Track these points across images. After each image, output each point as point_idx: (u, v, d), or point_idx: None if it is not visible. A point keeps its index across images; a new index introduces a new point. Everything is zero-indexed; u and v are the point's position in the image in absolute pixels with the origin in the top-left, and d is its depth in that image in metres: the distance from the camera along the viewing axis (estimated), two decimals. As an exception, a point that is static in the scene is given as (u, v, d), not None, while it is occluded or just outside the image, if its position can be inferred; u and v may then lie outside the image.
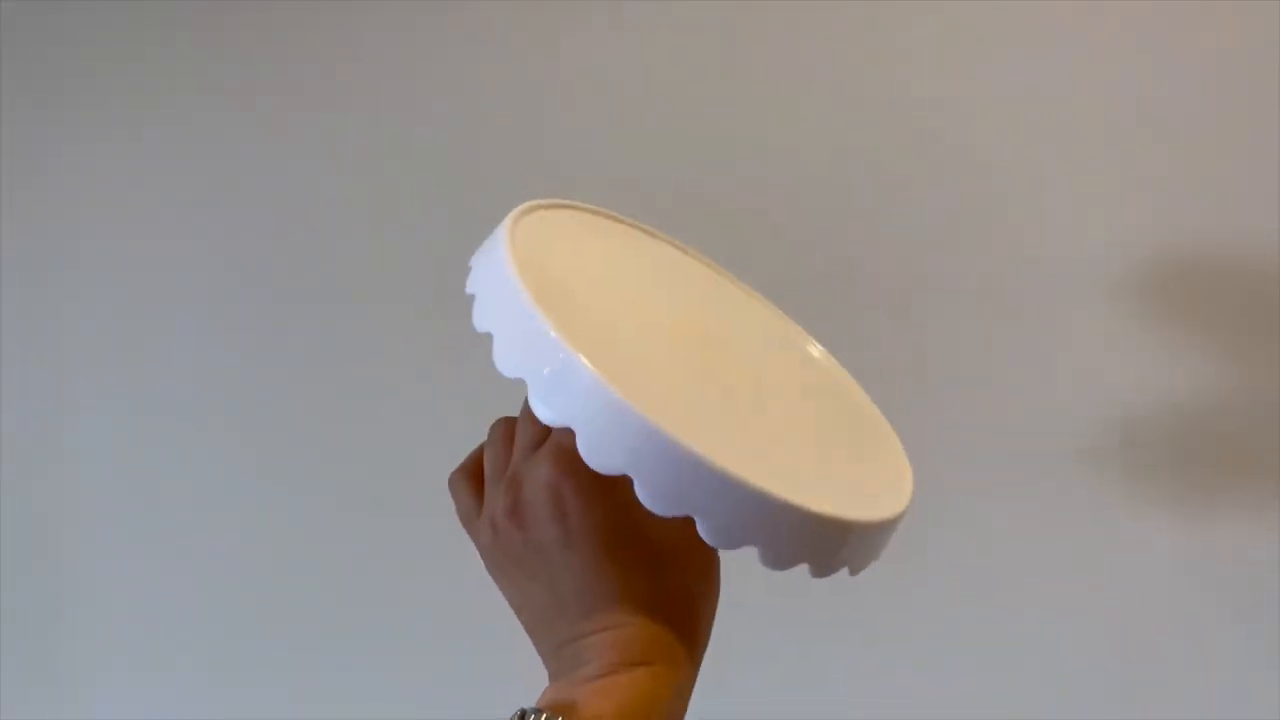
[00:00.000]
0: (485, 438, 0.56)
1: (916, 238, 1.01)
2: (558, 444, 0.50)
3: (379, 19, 1.19)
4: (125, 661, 1.24)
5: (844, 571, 0.49)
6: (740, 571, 0.53)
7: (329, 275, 1.19)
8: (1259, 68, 0.94)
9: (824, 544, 0.47)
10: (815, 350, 0.62)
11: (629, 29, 1.10)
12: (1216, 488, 0.94)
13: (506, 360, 0.46)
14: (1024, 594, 0.97)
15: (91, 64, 1.29)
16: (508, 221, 0.52)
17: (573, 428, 0.45)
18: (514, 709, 0.47)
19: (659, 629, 0.49)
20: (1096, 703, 0.95)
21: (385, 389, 1.16)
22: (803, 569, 0.47)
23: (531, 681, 0.54)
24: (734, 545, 0.46)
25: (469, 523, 0.54)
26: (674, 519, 0.45)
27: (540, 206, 0.55)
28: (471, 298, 0.49)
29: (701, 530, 0.45)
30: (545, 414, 0.45)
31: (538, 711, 0.46)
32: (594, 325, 0.49)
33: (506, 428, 0.54)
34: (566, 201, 0.58)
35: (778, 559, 0.46)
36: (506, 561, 0.51)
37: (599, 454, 0.44)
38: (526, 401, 0.49)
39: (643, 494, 0.44)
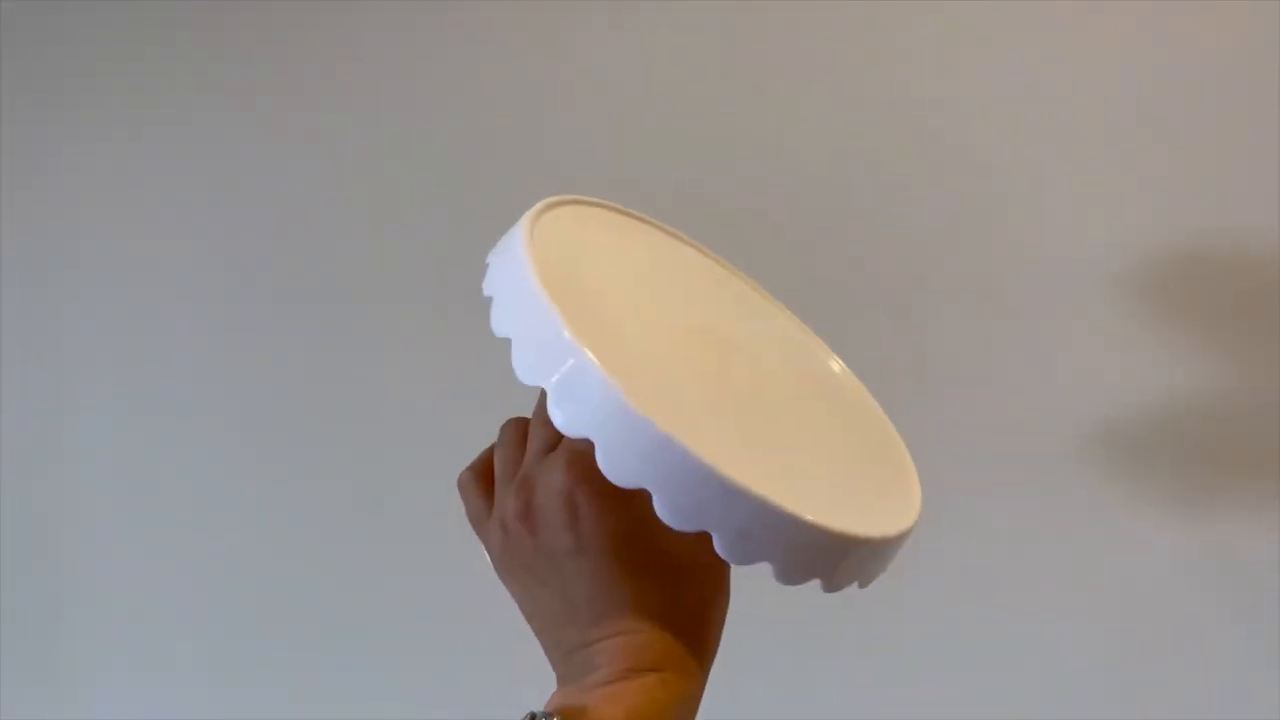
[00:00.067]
0: (485, 438, 0.56)
1: (916, 238, 1.01)
2: (572, 449, 0.49)
3: (379, 19, 1.19)
4: (125, 661, 1.24)
5: (854, 586, 0.49)
6: (736, 580, 0.53)
7: (329, 275, 1.19)
8: (1259, 68, 0.94)
9: (836, 560, 0.47)
10: (836, 365, 0.62)
11: (629, 29, 1.10)
12: (1216, 488, 0.94)
13: (525, 367, 0.45)
14: (1024, 594, 0.97)
15: (91, 64, 1.29)
16: (526, 220, 0.51)
17: (591, 439, 0.44)
18: (516, 710, 0.46)
19: (670, 637, 0.49)
20: (1096, 703, 0.95)
21: (385, 389, 1.16)
22: (814, 584, 0.47)
23: (532, 682, 0.54)
24: (749, 561, 0.45)
25: (478, 524, 0.54)
26: (687, 532, 0.45)
27: (559, 203, 0.54)
28: (489, 300, 0.48)
29: (718, 546, 0.45)
30: (563, 423, 0.45)
31: (547, 715, 0.46)
32: (614, 331, 0.48)
33: (518, 429, 0.54)
34: (586, 198, 0.56)
35: (792, 575, 0.46)
36: (517, 565, 0.51)
37: (617, 467, 0.44)
38: (540, 403, 0.48)
39: (661, 509, 0.44)
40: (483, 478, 0.54)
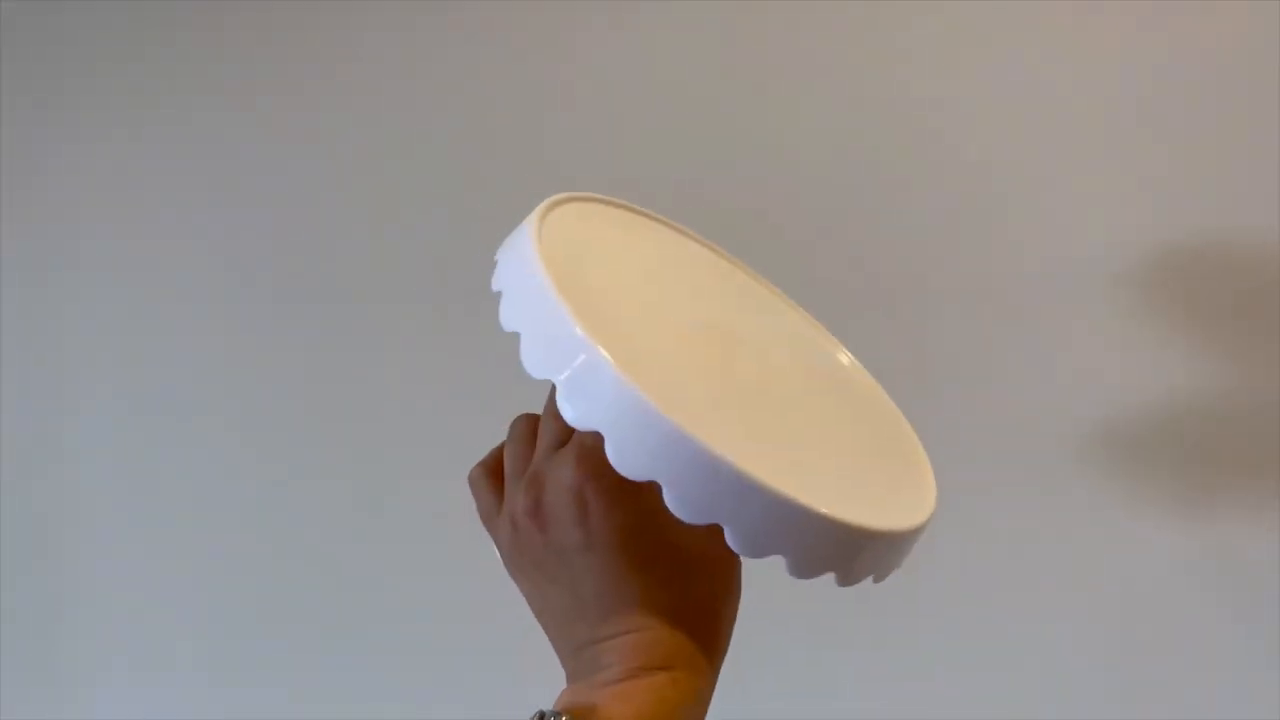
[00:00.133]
0: (485, 437, 0.56)
1: (916, 238, 1.01)
2: (582, 444, 0.49)
3: (379, 19, 1.19)
4: (125, 661, 1.24)
5: (869, 580, 0.48)
6: (746, 577, 0.53)
7: (329, 275, 1.19)
8: (1259, 68, 0.94)
9: (852, 553, 0.47)
10: (845, 358, 0.62)
11: (629, 29, 1.10)
12: (1216, 487, 0.94)
13: (534, 361, 0.45)
14: (1023, 594, 0.97)
15: (91, 64, 1.29)
16: (535, 216, 0.51)
17: (601, 432, 0.44)
18: (518, 710, 0.46)
19: (680, 635, 0.48)
20: (1096, 702, 0.95)
21: (385, 388, 1.16)
22: (828, 578, 0.47)
23: (534, 682, 0.54)
24: (762, 554, 0.45)
25: (489, 520, 0.53)
26: (699, 526, 0.45)
27: (568, 200, 0.54)
28: (498, 295, 0.48)
29: (730, 539, 0.45)
30: (573, 416, 0.44)
31: (556, 714, 0.45)
32: (624, 326, 0.48)
33: (528, 424, 0.53)
34: (593, 195, 0.56)
35: (805, 568, 0.46)
36: (526, 562, 0.51)
37: (628, 459, 0.44)
38: (550, 398, 0.48)
39: (671, 501, 0.44)
40: (493, 474, 0.54)
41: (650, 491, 0.45)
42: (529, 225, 0.50)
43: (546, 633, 0.51)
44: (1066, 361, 0.97)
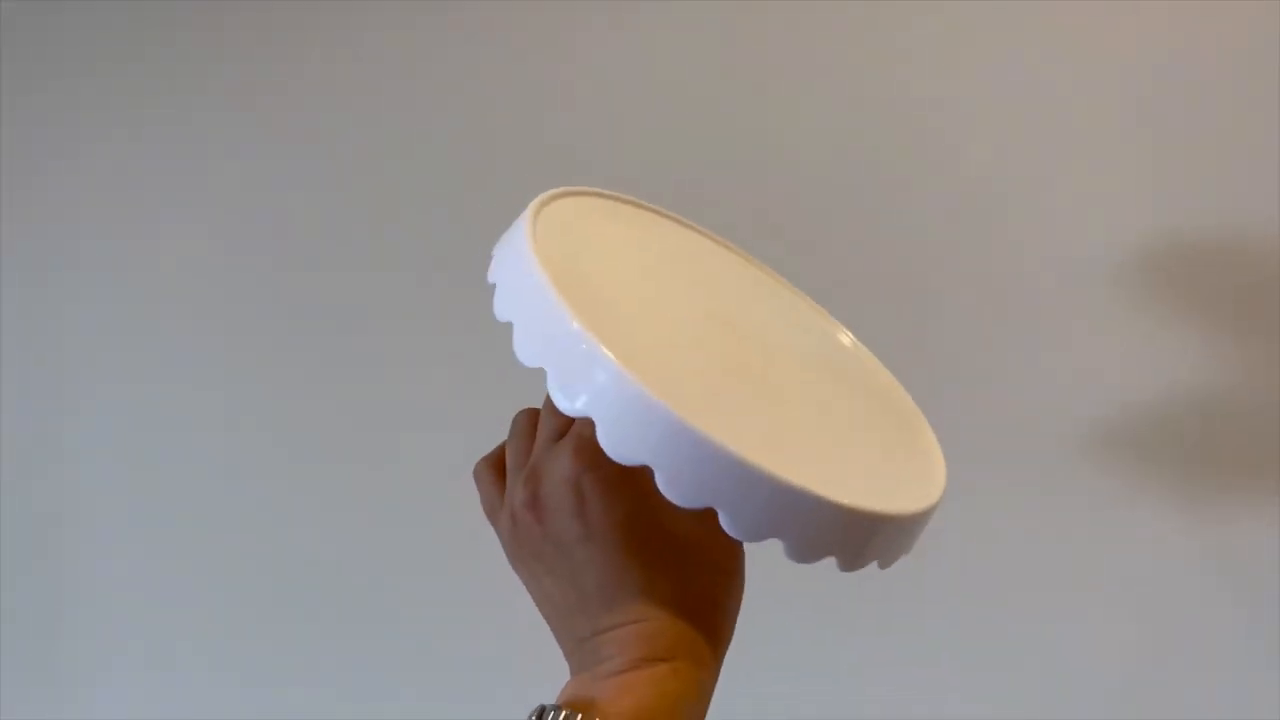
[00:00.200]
0: (486, 436, 0.56)
1: (917, 238, 1.01)
2: (579, 436, 0.49)
3: (379, 19, 1.19)
4: (125, 661, 1.24)
5: (873, 566, 0.48)
6: (749, 566, 0.53)
7: (329, 275, 1.19)
8: (1259, 68, 0.94)
9: (852, 537, 0.46)
10: (845, 338, 0.61)
11: (629, 29, 1.10)
12: (1217, 487, 0.94)
13: (526, 349, 0.45)
14: (1023, 594, 0.97)
15: (91, 64, 1.29)
16: (530, 210, 0.51)
17: (591, 417, 0.44)
18: (520, 709, 0.46)
19: (681, 625, 0.48)
20: (1096, 702, 0.95)
21: (386, 388, 1.16)
22: (830, 562, 0.46)
23: (536, 682, 0.54)
24: (757, 538, 0.45)
25: (492, 514, 0.53)
26: (698, 515, 0.44)
27: (563, 194, 0.54)
28: (493, 287, 0.48)
29: (723, 522, 0.44)
30: (563, 403, 0.44)
31: (556, 709, 0.45)
32: (615, 313, 0.48)
33: (529, 419, 0.54)
34: (590, 189, 0.57)
35: (804, 552, 0.45)
36: (526, 554, 0.51)
37: (618, 444, 0.44)
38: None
39: (662, 484, 0.44)
40: (496, 468, 0.54)
41: (648, 483, 0.44)
42: (524, 219, 0.50)
43: (549, 626, 0.51)
44: (1066, 361, 0.97)
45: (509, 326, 0.47)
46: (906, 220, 1.02)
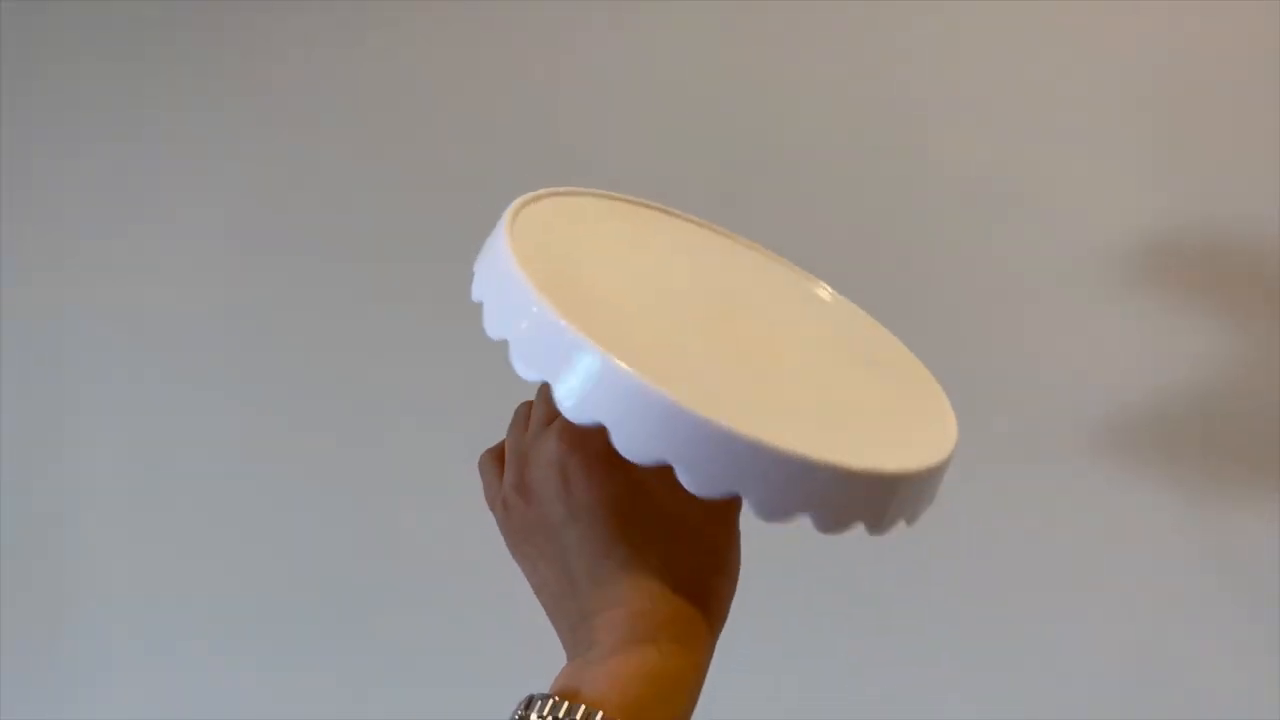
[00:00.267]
0: (487, 435, 0.56)
1: (916, 237, 1.01)
2: (565, 419, 0.49)
3: (379, 19, 1.19)
4: (125, 661, 1.24)
5: (901, 524, 0.47)
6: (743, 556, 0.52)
7: (330, 275, 1.19)
8: (1259, 67, 0.94)
9: (876, 500, 0.46)
10: (825, 293, 0.61)
11: (629, 29, 1.10)
12: (1218, 485, 0.94)
13: (524, 364, 0.45)
14: (1023, 594, 0.97)
15: (91, 64, 1.29)
16: (505, 218, 0.51)
17: (604, 424, 0.43)
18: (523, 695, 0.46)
19: (670, 606, 0.47)
20: (1097, 700, 0.95)
21: (386, 388, 1.16)
22: (859, 529, 0.46)
23: (538, 683, 0.54)
24: (785, 518, 0.44)
25: (492, 503, 0.54)
26: (690, 494, 0.44)
27: (537, 198, 0.54)
28: (479, 305, 0.48)
29: (750, 506, 0.44)
30: (576, 415, 0.44)
31: (545, 697, 0.45)
32: (610, 312, 0.48)
33: (527, 408, 0.54)
34: (562, 189, 0.56)
35: (831, 523, 0.45)
36: (520, 539, 0.51)
37: (636, 446, 0.43)
38: (544, 384, 0.48)
39: (685, 480, 0.43)
40: (498, 458, 0.54)
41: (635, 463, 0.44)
42: (500, 229, 0.50)
43: (548, 614, 0.51)
44: (1066, 361, 0.97)
45: (503, 343, 0.46)
46: (906, 219, 1.02)
